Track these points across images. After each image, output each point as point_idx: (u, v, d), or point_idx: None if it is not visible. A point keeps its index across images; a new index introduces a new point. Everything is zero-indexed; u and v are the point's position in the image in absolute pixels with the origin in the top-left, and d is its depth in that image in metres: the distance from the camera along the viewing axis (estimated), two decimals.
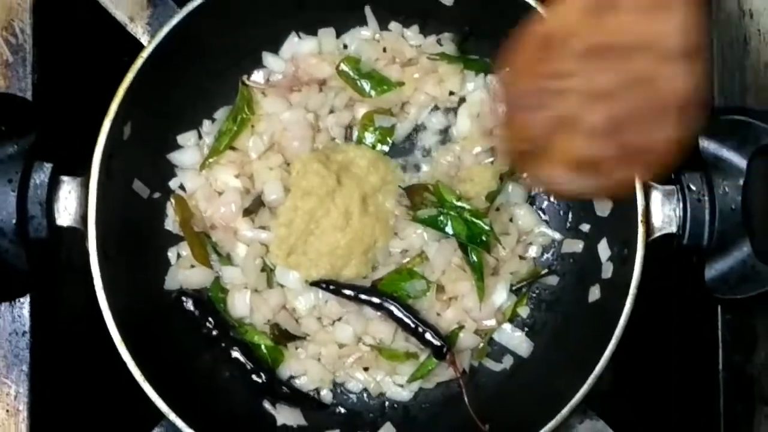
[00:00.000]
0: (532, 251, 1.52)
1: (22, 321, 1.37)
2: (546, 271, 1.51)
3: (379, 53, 1.51)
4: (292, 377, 1.48)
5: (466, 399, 1.40)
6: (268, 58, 1.51)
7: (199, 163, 1.48)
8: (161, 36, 1.34)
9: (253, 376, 1.43)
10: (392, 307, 1.43)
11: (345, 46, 1.53)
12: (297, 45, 1.52)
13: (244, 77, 1.50)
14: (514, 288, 1.49)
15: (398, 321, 1.44)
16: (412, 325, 1.43)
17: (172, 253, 1.47)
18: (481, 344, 1.48)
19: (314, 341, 1.48)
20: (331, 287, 1.44)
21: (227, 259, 1.47)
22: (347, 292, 1.44)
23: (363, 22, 1.52)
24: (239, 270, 1.46)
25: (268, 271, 1.47)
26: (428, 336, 1.42)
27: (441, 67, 1.51)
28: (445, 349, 1.42)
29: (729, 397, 1.40)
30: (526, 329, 1.51)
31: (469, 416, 1.39)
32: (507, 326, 1.50)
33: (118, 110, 1.31)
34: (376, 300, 1.44)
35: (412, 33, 1.52)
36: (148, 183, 1.44)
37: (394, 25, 1.52)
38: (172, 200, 1.46)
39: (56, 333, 1.44)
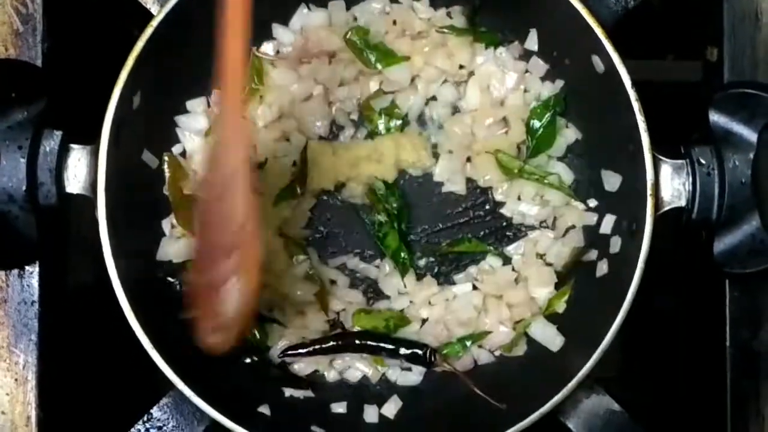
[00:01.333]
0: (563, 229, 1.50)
1: (31, 290, 1.38)
2: (583, 245, 1.47)
3: (388, 26, 1.50)
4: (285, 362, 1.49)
5: (476, 390, 1.40)
6: (278, 29, 1.51)
7: (204, 130, 1.48)
8: (170, 5, 1.34)
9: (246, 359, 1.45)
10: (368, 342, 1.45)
11: (355, 19, 1.52)
12: (306, 17, 1.51)
13: (254, 48, 1.49)
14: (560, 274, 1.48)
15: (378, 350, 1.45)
16: (392, 348, 1.44)
17: (166, 223, 1.46)
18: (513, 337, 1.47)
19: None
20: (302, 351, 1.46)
21: None
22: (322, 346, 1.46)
23: None
24: None
25: None
26: (403, 351, 1.44)
27: (450, 41, 1.49)
28: (429, 354, 1.43)
29: (736, 373, 1.40)
30: None
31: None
32: (541, 319, 1.47)
33: (128, 79, 1.31)
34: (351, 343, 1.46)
35: (422, 5, 1.51)
36: (158, 153, 1.44)
37: None
38: (166, 158, 1.45)
39: (65, 302, 1.45)
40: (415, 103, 1.51)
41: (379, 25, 1.50)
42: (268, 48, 1.51)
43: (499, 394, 1.39)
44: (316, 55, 1.49)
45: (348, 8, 1.52)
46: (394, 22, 1.50)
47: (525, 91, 1.51)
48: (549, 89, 1.50)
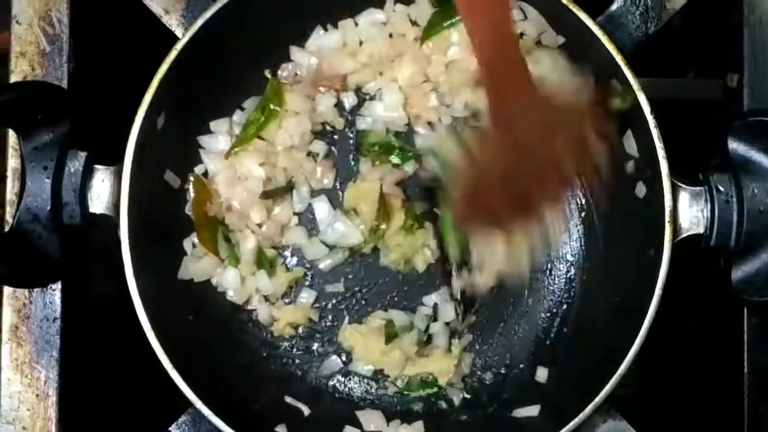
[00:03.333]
0: None
1: (53, 307, 1.39)
2: None
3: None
4: None
5: None
6: (295, 52, 1.52)
7: (226, 151, 1.49)
8: (195, 28, 1.35)
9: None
10: None
11: (360, 43, 1.51)
12: (322, 38, 1.52)
13: (267, 72, 1.50)
14: None
15: None
16: None
17: (187, 242, 1.47)
18: None
19: None
20: None
21: (234, 252, 1.48)
22: None
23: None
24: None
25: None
26: None
27: None
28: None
29: (754, 399, 1.40)
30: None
31: None
32: None
33: (152, 101, 1.33)
34: None
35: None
36: (180, 173, 1.45)
37: None
38: (191, 178, 1.46)
39: (87, 320, 1.46)
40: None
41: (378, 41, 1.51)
42: (285, 69, 1.52)
43: (514, 417, 1.40)
44: (329, 78, 1.50)
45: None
46: (391, 35, 1.51)
47: None
48: None
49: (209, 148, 1.49)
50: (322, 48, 1.52)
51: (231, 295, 1.48)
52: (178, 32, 1.42)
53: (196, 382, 1.31)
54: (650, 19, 1.44)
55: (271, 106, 1.49)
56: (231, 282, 1.47)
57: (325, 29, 1.52)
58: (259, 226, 1.48)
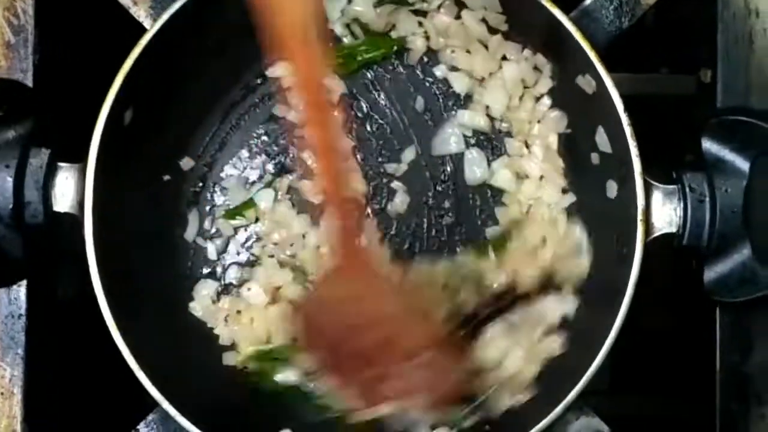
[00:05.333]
0: None
1: (19, 304, 1.37)
2: None
3: None
4: None
5: None
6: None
7: None
8: (163, 20, 1.33)
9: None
10: None
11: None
12: None
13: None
14: None
15: None
16: None
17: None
18: None
19: None
20: None
21: None
22: None
23: None
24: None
25: None
26: None
27: None
28: None
29: (725, 397, 1.39)
30: None
31: None
32: None
33: (118, 95, 1.30)
34: None
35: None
36: (151, 169, 1.44)
37: None
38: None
39: (53, 317, 1.44)
40: None
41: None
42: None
43: (487, 418, 1.39)
44: None
45: None
46: None
47: None
48: None
49: None
50: None
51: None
52: (146, 24, 1.39)
53: (162, 381, 1.30)
54: (624, 14, 1.43)
55: None
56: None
57: None
58: None
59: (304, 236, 1.48)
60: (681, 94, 1.55)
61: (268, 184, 1.50)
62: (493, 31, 1.47)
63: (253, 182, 1.51)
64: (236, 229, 1.50)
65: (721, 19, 1.42)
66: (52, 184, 1.31)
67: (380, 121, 1.51)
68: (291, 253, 1.48)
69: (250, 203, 1.49)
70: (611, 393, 1.58)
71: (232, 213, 1.49)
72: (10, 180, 1.28)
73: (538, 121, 1.47)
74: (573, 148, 1.47)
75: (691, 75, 1.50)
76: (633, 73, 1.63)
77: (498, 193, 1.49)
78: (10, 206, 1.28)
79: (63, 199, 1.31)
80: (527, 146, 1.48)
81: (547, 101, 1.47)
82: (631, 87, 1.34)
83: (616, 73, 1.33)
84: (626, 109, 1.30)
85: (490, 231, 1.49)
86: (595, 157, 1.41)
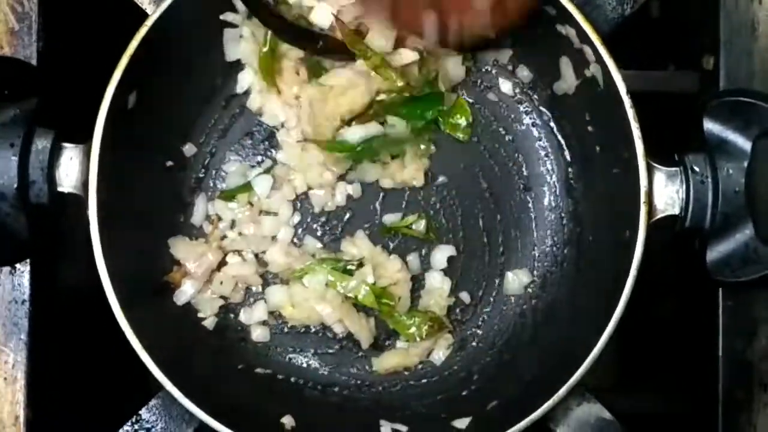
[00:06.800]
0: None
1: (22, 289, 1.37)
2: None
3: None
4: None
5: None
6: None
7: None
8: (166, 4, 1.33)
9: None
10: None
11: None
12: None
13: None
14: None
15: None
16: None
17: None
18: None
19: None
20: None
21: None
22: None
23: None
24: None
25: None
26: None
27: None
28: None
29: (728, 383, 1.40)
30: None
31: None
32: None
33: (122, 79, 1.31)
34: None
35: None
36: (154, 152, 1.44)
37: None
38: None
39: (56, 302, 1.44)
40: None
41: None
42: None
43: (487, 399, 1.39)
44: None
45: None
46: None
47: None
48: None
49: None
50: None
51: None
52: (149, 9, 1.40)
53: (166, 364, 1.29)
54: (626, 1, 1.44)
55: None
56: None
57: None
58: None
59: None
60: (685, 91, 1.54)
61: (267, 171, 1.50)
62: None
63: (253, 167, 1.51)
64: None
65: (724, 5, 1.43)
66: (57, 164, 1.31)
67: None
68: None
69: (247, 186, 1.49)
70: (613, 379, 1.58)
71: (228, 194, 1.49)
72: (14, 159, 1.28)
73: None
74: (577, 140, 1.49)
75: (695, 71, 1.50)
76: (638, 70, 1.63)
77: None
78: (15, 185, 1.28)
79: (67, 179, 1.31)
80: None
81: None
82: (636, 84, 1.34)
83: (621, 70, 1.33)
84: (628, 92, 1.31)
85: None
86: (597, 148, 1.43)
